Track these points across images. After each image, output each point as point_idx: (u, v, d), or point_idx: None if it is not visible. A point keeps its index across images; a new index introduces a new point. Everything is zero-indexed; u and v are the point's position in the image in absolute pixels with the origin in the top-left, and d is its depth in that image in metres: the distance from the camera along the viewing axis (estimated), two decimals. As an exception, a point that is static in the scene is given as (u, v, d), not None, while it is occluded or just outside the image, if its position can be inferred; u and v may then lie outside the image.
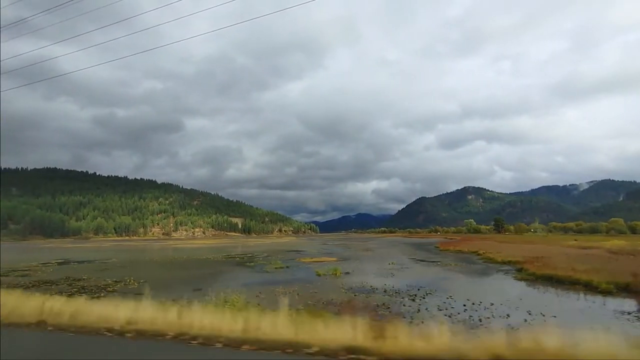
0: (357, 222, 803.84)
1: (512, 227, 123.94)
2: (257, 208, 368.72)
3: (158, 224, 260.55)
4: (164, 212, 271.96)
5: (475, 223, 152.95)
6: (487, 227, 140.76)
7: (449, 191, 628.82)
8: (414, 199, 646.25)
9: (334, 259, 33.51)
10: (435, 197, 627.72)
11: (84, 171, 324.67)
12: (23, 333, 5.72)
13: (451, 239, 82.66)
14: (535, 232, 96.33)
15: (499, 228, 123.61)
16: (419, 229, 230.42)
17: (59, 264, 32.05)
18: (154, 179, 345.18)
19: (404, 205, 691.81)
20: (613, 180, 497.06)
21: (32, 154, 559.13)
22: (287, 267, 26.73)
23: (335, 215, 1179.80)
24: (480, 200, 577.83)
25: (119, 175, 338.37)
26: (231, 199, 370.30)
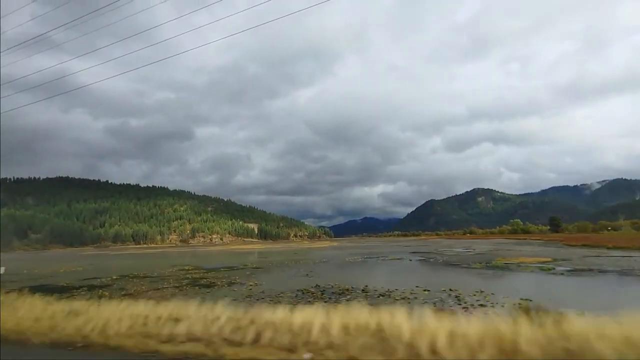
0: (364, 226, 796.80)
1: (569, 227, 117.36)
2: (270, 213, 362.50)
3: (175, 231, 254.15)
4: (180, 219, 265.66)
5: (522, 223, 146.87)
6: (538, 227, 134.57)
7: (457, 193, 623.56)
8: (422, 202, 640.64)
9: (549, 258, 27.69)
10: (444, 199, 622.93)
11: (97, 179, 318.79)
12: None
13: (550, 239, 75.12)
14: (620, 229, 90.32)
15: (556, 227, 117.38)
16: (447, 231, 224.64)
17: (201, 270, 26.27)
18: (165, 186, 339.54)
19: (411, 209, 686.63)
20: (626, 179, 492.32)
21: (45, 164, 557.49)
22: (552, 269, 21.00)
23: (341, 220, 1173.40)
24: (491, 202, 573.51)
25: (131, 183, 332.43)
26: (243, 205, 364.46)
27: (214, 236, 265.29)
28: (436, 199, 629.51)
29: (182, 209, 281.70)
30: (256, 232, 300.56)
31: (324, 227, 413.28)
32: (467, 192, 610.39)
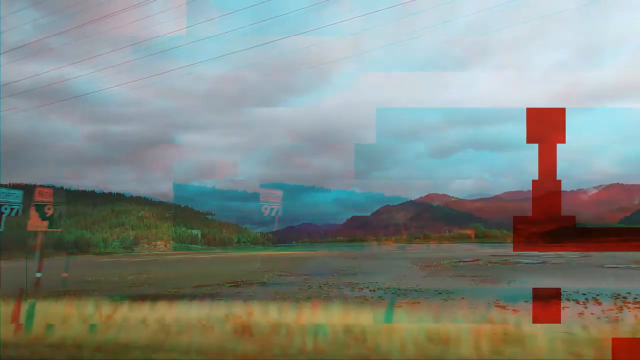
0: (303, 232, 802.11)
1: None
2: (212, 219, 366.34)
3: (118, 237, 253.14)
4: (122, 226, 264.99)
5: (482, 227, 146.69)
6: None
7: (449, 197, 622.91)
8: (378, 207, 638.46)
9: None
10: (399, 204, 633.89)
11: (51, 185, 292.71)
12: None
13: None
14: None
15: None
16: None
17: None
18: (122, 193, 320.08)
19: (360, 214, 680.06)
20: (623, 184, 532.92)
21: (27, 172, 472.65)
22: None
23: (278, 226, 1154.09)
24: (486, 205, 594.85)
25: (86, 190, 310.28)
26: (185, 210, 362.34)
27: (159, 242, 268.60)
28: (390, 205, 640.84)
29: (140, 215, 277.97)
30: (200, 238, 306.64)
31: (264, 233, 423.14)
32: (456, 196, 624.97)
